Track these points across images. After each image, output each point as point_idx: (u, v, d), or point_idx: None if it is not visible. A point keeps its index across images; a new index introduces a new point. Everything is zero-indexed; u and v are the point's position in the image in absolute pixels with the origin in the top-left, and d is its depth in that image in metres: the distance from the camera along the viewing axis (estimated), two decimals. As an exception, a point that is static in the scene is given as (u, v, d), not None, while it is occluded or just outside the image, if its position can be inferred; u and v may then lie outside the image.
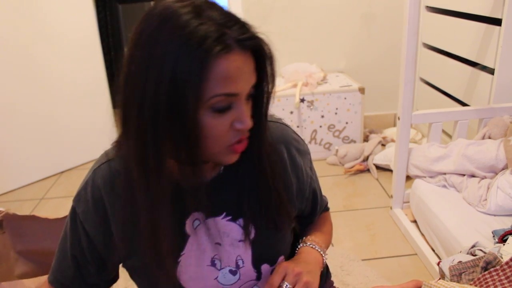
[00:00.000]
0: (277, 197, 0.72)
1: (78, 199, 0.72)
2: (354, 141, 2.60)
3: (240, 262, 0.73)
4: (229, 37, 0.55)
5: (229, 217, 0.72)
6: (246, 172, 0.70)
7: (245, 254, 0.73)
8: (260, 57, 0.60)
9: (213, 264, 0.72)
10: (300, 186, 0.79)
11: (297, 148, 0.79)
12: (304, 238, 0.83)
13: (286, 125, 0.80)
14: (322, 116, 2.51)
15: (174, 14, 0.55)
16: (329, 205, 0.96)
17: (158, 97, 0.55)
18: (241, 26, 0.57)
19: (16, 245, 1.14)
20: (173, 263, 0.70)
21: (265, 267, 0.75)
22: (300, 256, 0.78)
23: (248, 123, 0.60)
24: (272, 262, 0.76)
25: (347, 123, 2.55)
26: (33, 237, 1.13)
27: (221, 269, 0.72)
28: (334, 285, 0.97)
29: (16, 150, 2.37)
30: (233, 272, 0.73)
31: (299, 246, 0.81)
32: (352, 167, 2.40)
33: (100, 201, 0.70)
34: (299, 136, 0.82)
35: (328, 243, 0.86)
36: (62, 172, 2.61)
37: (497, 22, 1.79)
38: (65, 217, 1.09)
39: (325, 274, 0.95)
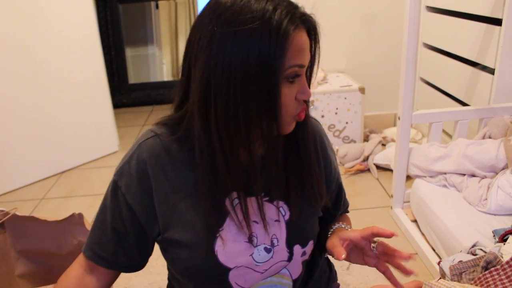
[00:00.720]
0: (315, 180, 0.78)
1: (120, 172, 0.75)
2: (354, 141, 2.60)
3: (275, 241, 0.76)
4: (296, 17, 0.65)
5: (267, 198, 0.76)
6: (291, 150, 0.76)
7: (280, 233, 0.77)
8: (310, 35, 0.69)
9: (250, 240, 0.75)
10: (328, 178, 0.85)
11: (328, 143, 0.87)
12: (332, 223, 0.87)
13: (318, 121, 0.87)
14: (322, 116, 2.51)
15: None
16: None
17: (247, 71, 0.62)
18: (299, 7, 0.67)
19: (16, 244, 1.13)
20: (212, 238, 0.73)
21: (297, 248, 0.78)
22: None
23: (310, 93, 0.69)
24: (304, 244, 0.79)
25: (347, 123, 2.55)
26: (33, 237, 1.13)
27: (256, 246, 0.76)
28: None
29: (16, 150, 2.37)
30: (267, 250, 0.76)
31: (333, 228, 0.84)
32: (352, 167, 2.40)
33: (145, 174, 0.73)
34: None
35: None
36: (63, 172, 2.61)
37: (497, 22, 1.79)
38: (64, 219, 1.09)
39: (329, 275, 0.95)
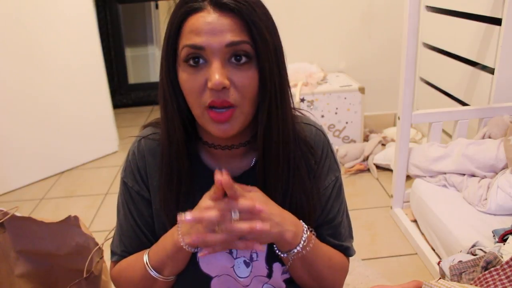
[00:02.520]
0: (299, 199, 0.74)
1: (124, 169, 0.79)
2: (354, 141, 2.60)
3: (254, 256, 0.76)
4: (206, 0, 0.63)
5: None
6: (268, 167, 0.71)
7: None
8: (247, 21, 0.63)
9: (230, 251, 0.75)
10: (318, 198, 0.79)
11: (331, 161, 0.80)
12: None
13: (328, 140, 0.81)
14: (322, 116, 2.51)
15: None
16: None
17: (165, 47, 0.67)
18: None
19: (16, 244, 1.13)
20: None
21: (276, 266, 0.77)
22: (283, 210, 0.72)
23: (216, 80, 0.61)
24: (284, 263, 0.77)
25: (347, 123, 2.55)
26: (32, 238, 1.13)
27: (236, 258, 0.75)
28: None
29: (16, 150, 2.37)
30: (246, 264, 0.76)
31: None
32: (352, 167, 2.39)
33: (145, 169, 0.77)
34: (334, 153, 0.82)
35: (324, 262, 0.76)
36: (63, 172, 2.61)
37: (497, 21, 1.79)
38: (60, 221, 1.09)
39: None
